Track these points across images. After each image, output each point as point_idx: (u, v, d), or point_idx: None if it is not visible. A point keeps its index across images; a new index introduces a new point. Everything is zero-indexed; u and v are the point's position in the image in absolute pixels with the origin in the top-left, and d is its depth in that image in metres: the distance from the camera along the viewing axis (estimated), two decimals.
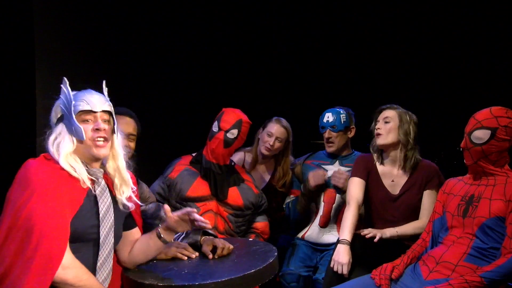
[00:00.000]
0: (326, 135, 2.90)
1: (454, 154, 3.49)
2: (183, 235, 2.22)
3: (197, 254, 2.08)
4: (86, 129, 1.66)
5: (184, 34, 3.97)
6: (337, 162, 2.94)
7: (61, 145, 1.64)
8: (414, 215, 2.56)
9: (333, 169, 2.91)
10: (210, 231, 2.24)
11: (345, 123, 2.87)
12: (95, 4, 3.29)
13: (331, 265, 2.31)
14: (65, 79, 1.69)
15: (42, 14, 2.92)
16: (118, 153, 1.77)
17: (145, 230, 2.33)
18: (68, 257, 1.55)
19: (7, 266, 1.49)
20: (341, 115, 2.87)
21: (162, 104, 3.79)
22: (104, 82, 1.76)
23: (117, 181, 1.77)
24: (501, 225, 2.02)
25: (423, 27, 4.00)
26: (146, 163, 2.42)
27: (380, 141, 2.55)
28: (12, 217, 1.53)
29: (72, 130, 1.65)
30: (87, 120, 1.67)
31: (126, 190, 1.78)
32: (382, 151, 2.62)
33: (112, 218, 1.72)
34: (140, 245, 1.88)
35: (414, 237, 2.42)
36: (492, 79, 3.68)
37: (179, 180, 2.61)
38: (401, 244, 2.45)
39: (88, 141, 1.67)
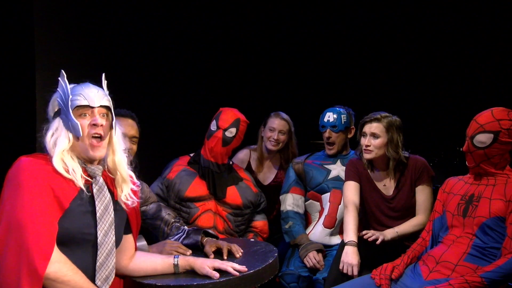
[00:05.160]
0: (326, 134, 2.89)
1: (454, 154, 3.49)
2: (184, 235, 2.23)
3: (190, 251, 2.08)
4: (83, 125, 1.61)
5: (183, 34, 3.96)
6: (339, 161, 2.93)
7: (58, 142, 1.60)
8: (410, 212, 2.57)
9: (336, 168, 2.90)
10: (211, 232, 2.25)
11: (345, 123, 2.87)
12: (95, 4, 3.29)
13: (340, 267, 2.31)
14: (63, 72, 1.64)
15: (42, 14, 2.91)
16: (116, 149, 1.72)
17: (145, 230, 2.34)
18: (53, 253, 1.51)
19: None
20: (342, 115, 2.86)
21: (160, 104, 3.79)
22: (103, 74, 1.72)
23: (117, 177, 1.73)
24: (501, 225, 2.02)
25: (423, 26, 3.99)
26: (145, 163, 2.41)
27: (369, 156, 2.55)
28: None
29: (69, 126, 1.60)
30: (84, 114, 1.63)
31: (125, 187, 1.74)
32: (371, 161, 2.62)
33: (112, 216, 1.67)
34: (150, 263, 1.84)
35: (414, 237, 2.42)
36: (492, 79, 3.67)
37: (177, 180, 2.63)
38: (401, 244, 2.46)
39: (85, 140, 1.62)
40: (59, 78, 1.65)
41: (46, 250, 1.47)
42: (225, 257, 1.98)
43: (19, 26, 2.85)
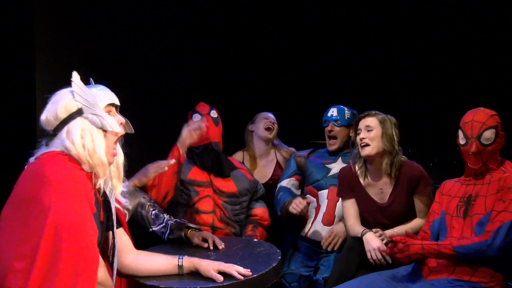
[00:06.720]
0: (328, 128, 2.93)
1: (454, 154, 3.49)
2: (168, 231, 2.34)
3: (174, 161, 2.34)
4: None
5: (181, 34, 3.94)
6: (340, 159, 2.95)
7: (96, 142, 1.54)
8: (405, 219, 2.53)
9: (336, 166, 2.89)
10: (192, 226, 2.35)
11: (348, 119, 2.92)
12: (94, 5, 3.28)
13: (368, 257, 2.30)
14: (76, 72, 1.58)
15: (42, 14, 2.90)
16: (120, 150, 1.71)
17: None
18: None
19: (39, 268, 1.36)
20: (346, 112, 2.93)
21: (159, 104, 3.78)
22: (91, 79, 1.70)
23: (114, 179, 1.70)
24: None
25: (422, 26, 3.99)
26: (140, 163, 2.42)
27: (366, 152, 2.47)
28: (40, 217, 1.39)
29: (103, 124, 1.55)
30: (110, 112, 1.60)
31: (119, 186, 1.72)
32: (367, 162, 2.56)
33: (114, 218, 1.68)
34: (154, 263, 1.84)
35: None
36: (492, 80, 3.68)
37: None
38: None
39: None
40: (73, 79, 1.58)
41: (97, 255, 1.47)
42: (211, 247, 2.13)
43: (19, 26, 2.84)
